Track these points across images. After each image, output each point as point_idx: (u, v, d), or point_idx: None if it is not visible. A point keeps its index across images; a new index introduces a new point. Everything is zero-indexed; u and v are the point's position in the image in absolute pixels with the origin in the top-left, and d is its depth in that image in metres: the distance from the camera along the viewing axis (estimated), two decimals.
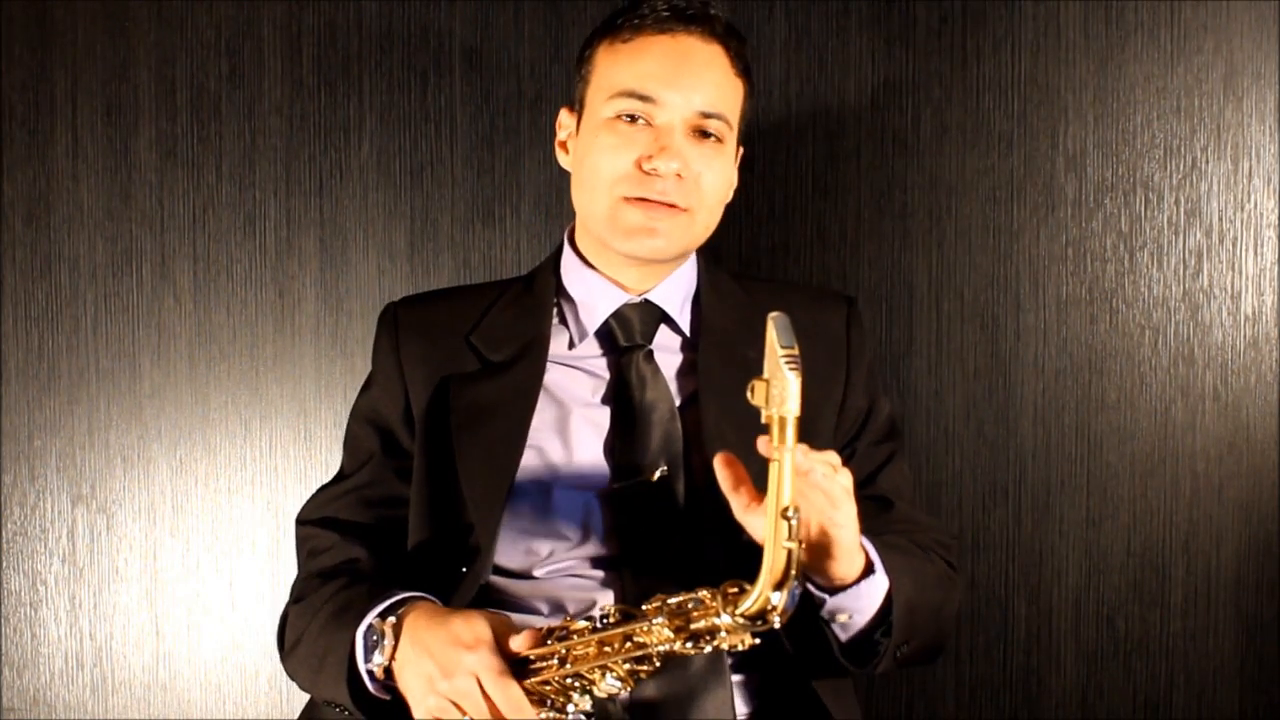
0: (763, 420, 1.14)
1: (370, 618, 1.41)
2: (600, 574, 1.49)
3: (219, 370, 2.06)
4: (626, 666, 1.29)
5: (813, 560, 1.31)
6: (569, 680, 1.31)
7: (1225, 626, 1.99)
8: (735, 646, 1.24)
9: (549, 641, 1.32)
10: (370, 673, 1.40)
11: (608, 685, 1.30)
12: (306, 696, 1.60)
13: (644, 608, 1.28)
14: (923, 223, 2.01)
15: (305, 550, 1.61)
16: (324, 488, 1.65)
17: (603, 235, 1.56)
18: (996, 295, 2.00)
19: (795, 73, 2.01)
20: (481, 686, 1.31)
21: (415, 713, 1.35)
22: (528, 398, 1.54)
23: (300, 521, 1.64)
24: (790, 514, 1.14)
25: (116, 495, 2.06)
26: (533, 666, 1.32)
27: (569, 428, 1.53)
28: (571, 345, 1.59)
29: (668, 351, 1.59)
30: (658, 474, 1.49)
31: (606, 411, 1.54)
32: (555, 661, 1.31)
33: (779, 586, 1.16)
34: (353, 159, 2.05)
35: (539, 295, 1.62)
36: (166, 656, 2.07)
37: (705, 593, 1.24)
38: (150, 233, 2.05)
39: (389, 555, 1.57)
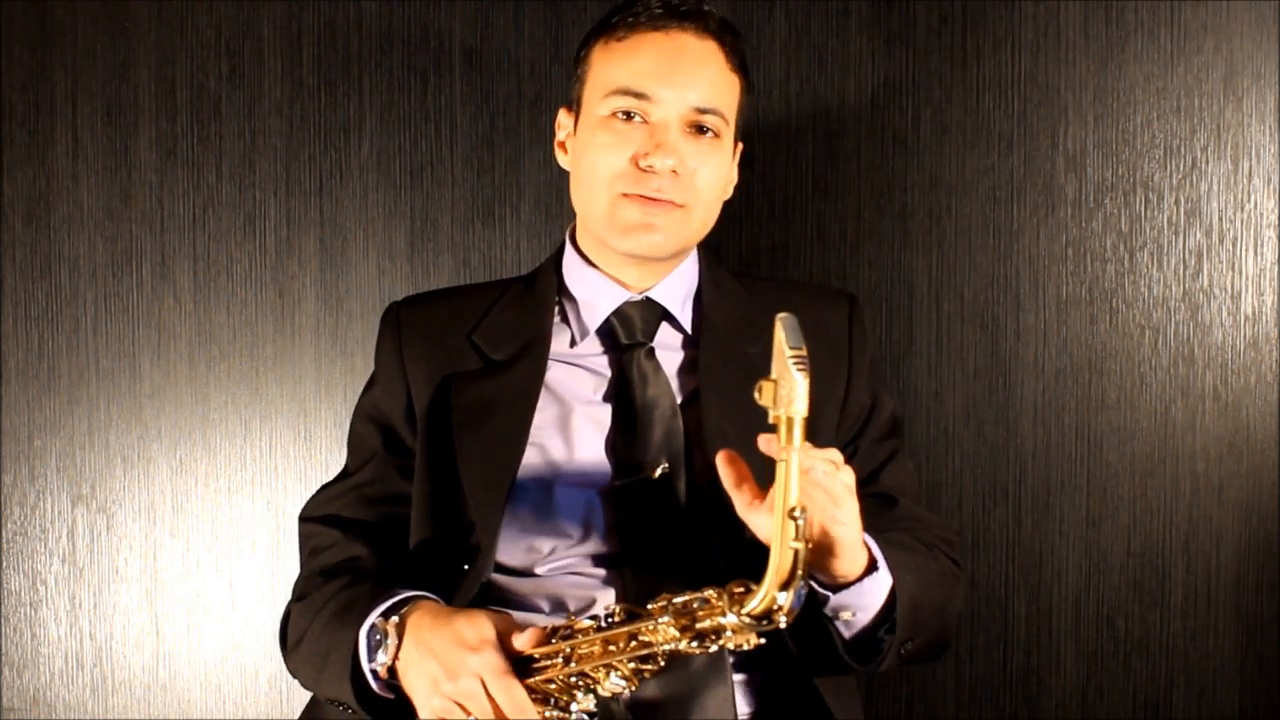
0: (770, 420, 1.14)
1: (373, 617, 1.41)
2: (601, 572, 1.49)
3: (219, 370, 2.05)
4: (631, 665, 1.29)
5: (815, 558, 1.31)
6: (573, 679, 1.31)
7: (1225, 626, 1.99)
8: (741, 646, 1.24)
9: (553, 640, 1.32)
10: (374, 672, 1.40)
11: (612, 684, 1.30)
12: (307, 697, 1.60)
13: (649, 607, 1.28)
14: (923, 223, 2.01)
15: (308, 548, 1.61)
16: (327, 485, 1.65)
17: (601, 233, 1.56)
18: (996, 295, 2.00)
19: (795, 73, 2.02)
20: (486, 687, 1.31)
21: (421, 713, 1.35)
22: (529, 396, 1.54)
23: (303, 519, 1.64)
24: (797, 514, 1.14)
25: (116, 495, 2.06)
26: (537, 665, 1.32)
27: (570, 425, 1.54)
28: (573, 343, 1.59)
29: (669, 349, 1.59)
30: (659, 471, 1.49)
31: (608, 409, 1.54)
32: (560, 660, 1.31)
33: (785, 586, 1.17)
34: (353, 159, 2.04)
35: (540, 294, 1.63)
36: (166, 656, 2.06)
37: (711, 592, 1.24)
38: (150, 233, 2.05)
39: (391, 553, 1.57)
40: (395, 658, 1.38)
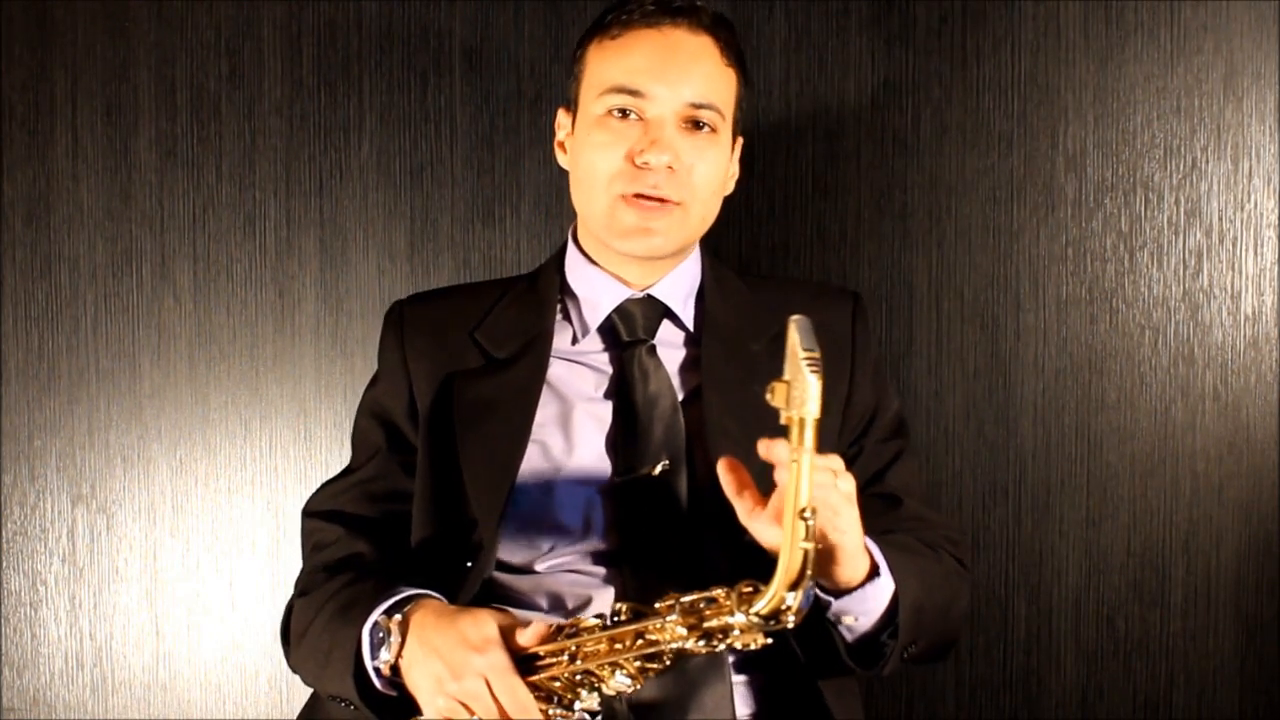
0: (782, 421, 1.14)
1: (376, 615, 1.40)
2: (601, 570, 1.49)
3: (219, 370, 2.05)
4: (637, 664, 1.29)
5: (816, 565, 1.31)
6: (578, 677, 1.31)
7: (1225, 626, 1.99)
8: (748, 646, 1.24)
9: (559, 638, 1.32)
10: (376, 670, 1.40)
11: (617, 683, 1.30)
12: (306, 696, 1.59)
13: (656, 605, 1.28)
14: (923, 223, 2.01)
15: (310, 543, 1.61)
16: (330, 481, 1.65)
17: (601, 234, 1.57)
18: (996, 295, 2.01)
19: (795, 73, 2.02)
20: (490, 687, 1.31)
21: (425, 712, 1.35)
22: (530, 393, 1.54)
23: (306, 514, 1.64)
24: (808, 515, 1.14)
25: (116, 495, 2.06)
26: (542, 663, 1.32)
27: (571, 423, 1.54)
28: (575, 341, 1.59)
29: (671, 346, 1.59)
30: (659, 468, 1.49)
31: (609, 406, 1.54)
32: (565, 658, 1.31)
33: (794, 586, 1.17)
34: (353, 159, 2.04)
35: (543, 292, 1.63)
36: (166, 656, 2.06)
37: (719, 591, 1.24)
38: (150, 233, 2.05)
39: (393, 549, 1.57)
40: (398, 656, 1.37)
